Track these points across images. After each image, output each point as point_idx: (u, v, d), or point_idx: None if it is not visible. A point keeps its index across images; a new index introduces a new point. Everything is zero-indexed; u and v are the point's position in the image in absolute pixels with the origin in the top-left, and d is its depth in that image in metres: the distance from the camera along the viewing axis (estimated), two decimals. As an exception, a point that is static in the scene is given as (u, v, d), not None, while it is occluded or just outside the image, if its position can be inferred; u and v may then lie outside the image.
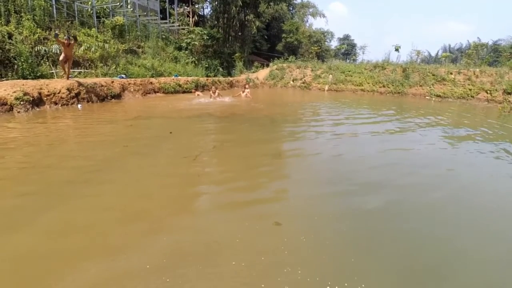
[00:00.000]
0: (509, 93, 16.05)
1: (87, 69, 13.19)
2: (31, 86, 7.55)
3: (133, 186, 3.23)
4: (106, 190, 3.11)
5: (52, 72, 11.58)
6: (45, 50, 11.02)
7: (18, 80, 8.10)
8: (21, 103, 7.04)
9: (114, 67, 14.14)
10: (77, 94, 8.24)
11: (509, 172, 4.31)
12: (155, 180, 3.46)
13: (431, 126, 7.95)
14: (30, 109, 7.17)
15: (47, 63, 11.89)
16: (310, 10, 42.95)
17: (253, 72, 23.17)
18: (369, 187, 3.50)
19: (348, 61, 39.13)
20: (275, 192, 3.34)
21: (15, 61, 10.51)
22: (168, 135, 5.28)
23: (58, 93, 7.86)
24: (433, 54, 44.86)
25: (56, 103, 7.76)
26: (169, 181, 3.45)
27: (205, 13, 33.93)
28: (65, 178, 3.37)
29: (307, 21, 44.00)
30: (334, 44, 48.42)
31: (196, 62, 21.26)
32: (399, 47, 21.09)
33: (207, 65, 21.84)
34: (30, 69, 10.67)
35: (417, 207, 3.08)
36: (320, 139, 6.00)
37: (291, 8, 41.34)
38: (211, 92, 11.06)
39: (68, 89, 8.05)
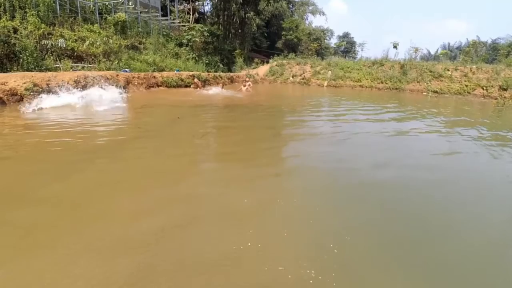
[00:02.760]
0: (504, 89, 16.35)
1: (90, 64, 13.44)
2: (40, 77, 7.81)
3: (151, 158, 3.69)
4: (130, 162, 3.59)
5: (57, 66, 11.82)
6: (51, 44, 11.26)
7: (27, 72, 8.36)
8: (31, 93, 7.30)
9: (116, 62, 14.37)
10: (84, 86, 8.50)
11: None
12: (169, 152, 3.95)
13: (430, 117, 8.26)
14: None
15: (52, 57, 12.14)
16: (310, 8, 43.15)
17: (254, 68, 23.43)
18: (360, 160, 3.82)
19: (347, 58, 39.34)
20: (276, 159, 3.88)
21: (20, 55, 10.75)
22: (176, 119, 5.61)
23: (66, 84, 8.11)
24: (432, 52, 45.07)
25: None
26: (182, 152, 3.95)
27: (205, 10, 34.13)
28: (89, 151, 3.75)
29: (307, 18, 44.22)
30: (333, 41, 48.63)
31: (196, 58, 21.49)
32: (397, 44, 21.35)
33: (207, 62, 22.08)
34: (35, 63, 10.91)
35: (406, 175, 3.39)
36: (320, 125, 6.31)
37: (290, 6, 41.53)
38: (220, 85, 11.26)
39: (75, 81, 8.31)
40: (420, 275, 1.87)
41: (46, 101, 7.04)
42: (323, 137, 5.26)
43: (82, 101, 7.44)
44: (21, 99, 7.18)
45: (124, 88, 9.85)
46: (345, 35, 52.51)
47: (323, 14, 42.97)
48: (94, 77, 9.01)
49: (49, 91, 7.46)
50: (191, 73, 14.62)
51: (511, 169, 4.02)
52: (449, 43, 44.61)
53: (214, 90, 11.93)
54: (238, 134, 5.00)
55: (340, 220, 2.45)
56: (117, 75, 10.25)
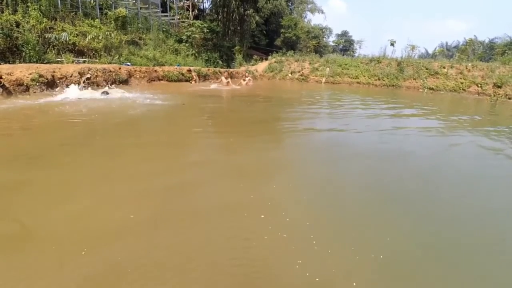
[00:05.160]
0: (499, 87, 16.67)
1: (91, 58, 13.60)
2: (45, 69, 8.01)
3: (161, 133, 4.36)
4: (145, 135, 4.22)
5: (58, 60, 11.98)
6: (55, 37, 11.44)
7: (32, 64, 8.54)
8: (37, 84, 7.50)
9: (117, 57, 14.55)
10: (88, 78, 8.70)
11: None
12: (177, 128, 4.57)
13: (430, 111, 8.57)
14: (45, 90, 7.64)
15: (53, 51, 12.29)
16: (309, 6, 43.33)
17: (253, 65, 23.65)
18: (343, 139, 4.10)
19: (345, 57, 39.58)
20: (272, 133, 4.41)
21: (23, 49, 10.90)
22: (181, 105, 5.93)
23: (70, 76, 8.32)
24: (430, 52, 45.34)
25: (68, 86, 8.22)
26: (188, 129, 4.56)
27: (204, 7, 34.21)
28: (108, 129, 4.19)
29: (306, 17, 44.42)
30: (332, 39, 48.87)
31: (196, 54, 21.66)
32: (394, 41, 21.67)
33: (207, 58, 22.27)
34: (37, 57, 11.08)
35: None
36: (315, 114, 6.59)
37: (289, 4, 41.68)
38: (222, 77, 11.65)
39: (79, 73, 8.51)
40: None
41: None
42: (314, 121, 5.55)
43: None
44: (27, 89, 7.38)
45: (126, 81, 10.08)
46: (344, 34, 52.75)
47: (322, 12, 43.19)
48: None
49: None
50: (191, 68, 14.82)
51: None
52: (446, 42, 45.00)
53: (214, 86, 12.17)
54: (239, 116, 5.56)
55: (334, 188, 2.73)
56: (120, 68, 10.46)
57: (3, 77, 6.98)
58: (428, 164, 3.63)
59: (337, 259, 1.74)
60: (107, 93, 7.41)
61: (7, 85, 7.09)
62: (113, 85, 7.68)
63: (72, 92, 7.59)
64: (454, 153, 4.28)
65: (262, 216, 2.11)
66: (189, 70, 14.11)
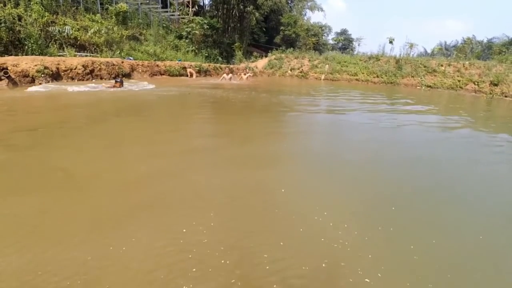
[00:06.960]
0: (495, 85, 16.92)
1: (92, 53, 13.68)
2: (50, 61, 8.12)
3: (166, 118, 4.68)
4: (151, 119, 4.53)
5: (60, 54, 12.05)
6: (58, 30, 11.51)
7: (36, 56, 8.64)
8: (42, 75, 7.62)
9: (118, 52, 14.63)
10: (92, 71, 8.81)
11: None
12: (183, 113, 4.93)
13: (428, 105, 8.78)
14: (50, 81, 7.75)
15: (55, 45, 12.37)
16: (308, 3, 43.33)
17: (252, 61, 23.77)
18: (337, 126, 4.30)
19: (344, 54, 39.68)
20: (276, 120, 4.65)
21: (25, 42, 10.97)
22: (187, 95, 6.15)
23: (74, 69, 8.43)
24: (429, 51, 45.47)
25: (72, 78, 8.34)
26: (194, 112, 4.97)
27: (204, 3, 34.18)
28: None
29: (305, 14, 44.42)
30: (331, 37, 48.98)
31: (196, 51, 21.74)
32: (393, 39, 21.84)
33: (206, 54, 22.34)
34: (39, 50, 11.15)
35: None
36: (317, 105, 6.78)
37: (289, 1, 41.69)
38: (224, 74, 11.93)
39: (83, 66, 8.62)
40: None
41: None
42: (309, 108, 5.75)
43: None
44: (32, 81, 7.50)
45: (129, 74, 10.20)
46: (343, 32, 52.83)
47: (322, 10, 43.21)
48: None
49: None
50: (192, 63, 14.97)
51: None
52: (445, 42, 45.20)
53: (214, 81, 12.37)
54: (241, 104, 5.88)
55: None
56: (122, 62, 10.57)
57: (9, 68, 7.10)
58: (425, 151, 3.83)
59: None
60: (122, 82, 7.54)
61: (13, 76, 7.21)
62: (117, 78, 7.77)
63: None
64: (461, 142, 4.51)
65: (283, 190, 2.30)
66: (185, 68, 14.24)
